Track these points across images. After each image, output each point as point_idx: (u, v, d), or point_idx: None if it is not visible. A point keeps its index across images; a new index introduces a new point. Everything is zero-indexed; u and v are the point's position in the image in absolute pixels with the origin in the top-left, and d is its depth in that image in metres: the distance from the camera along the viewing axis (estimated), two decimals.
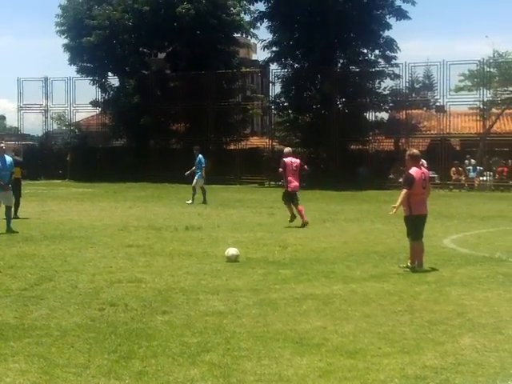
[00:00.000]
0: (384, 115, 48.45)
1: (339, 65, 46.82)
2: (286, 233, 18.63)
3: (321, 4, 41.98)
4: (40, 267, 12.92)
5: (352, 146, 46.18)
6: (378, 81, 46.11)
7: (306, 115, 47.39)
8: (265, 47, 47.50)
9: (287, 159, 21.49)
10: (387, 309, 9.79)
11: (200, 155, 30.19)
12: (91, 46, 48.47)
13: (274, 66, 48.71)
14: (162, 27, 48.50)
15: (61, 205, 27.22)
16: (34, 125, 57.07)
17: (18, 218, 21.29)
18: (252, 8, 49.50)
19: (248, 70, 53.67)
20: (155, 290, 10.93)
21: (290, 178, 21.34)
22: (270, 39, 47.22)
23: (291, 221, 20.55)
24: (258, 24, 48.99)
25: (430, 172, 40.69)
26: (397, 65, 45.11)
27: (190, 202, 28.66)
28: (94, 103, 52.88)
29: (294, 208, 20.94)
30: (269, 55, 47.56)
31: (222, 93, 48.88)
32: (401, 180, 14.47)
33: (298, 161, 22.00)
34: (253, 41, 58.79)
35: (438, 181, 40.80)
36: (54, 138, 55.52)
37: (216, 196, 32.66)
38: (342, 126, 42.89)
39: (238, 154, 46.06)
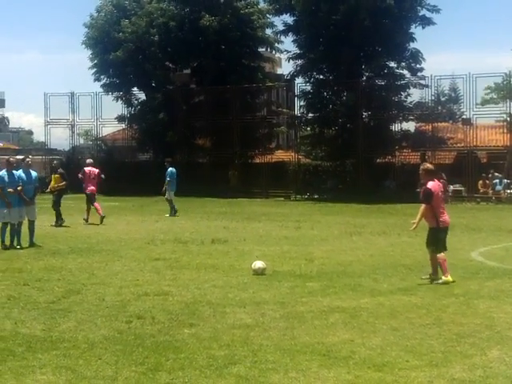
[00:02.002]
0: (410, 128, 48.30)
1: (364, 78, 46.74)
2: (313, 246, 18.58)
3: (346, 17, 41.91)
4: (67, 280, 12.99)
5: (378, 159, 45.99)
6: (403, 94, 45.93)
7: (331, 128, 47.27)
8: (290, 59, 47.35)
9: (87, 168, 27.49)
10: (415, 322, 9.74)
11: (171, 168, 30.15)
12: (118, 61, 48.72)
13: (298, 80, 48.75)
14: (188, 42, 48.67)
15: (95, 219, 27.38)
16: (60, 139, 57.67)
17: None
18: (276, 21, 49.57)
19: (273, 84, 53.69)
20: (182, 303, 10.95)
21: (89, 184, 26.86)
22: (295, 52, 47.21)
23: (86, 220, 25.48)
24: (283, 37, 49.01)
25: (457, 185, 40.87)
26: (423, 77, 44.94)
27: (167, 215, 28.92)
28: (120, 118, 53.10)
29: (91, 207, 25.86)
30: (294, 68, 47.49)
31: (247, 107, 49.02)
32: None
33: (96, 170, 27.59)
34: (277, 55, 58.99)
35: (464, 194, 40.58)
36: (80, 153, 55.77)
37: (242, 209, 32.68)
38: (368, 139, 42.77)
39: (264, 168, 46.04)
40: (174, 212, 29.26)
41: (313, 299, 11.28)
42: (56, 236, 20.64)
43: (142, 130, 51.53)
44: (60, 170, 26.49)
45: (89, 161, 29.87)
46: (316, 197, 43.54)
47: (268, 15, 49.82)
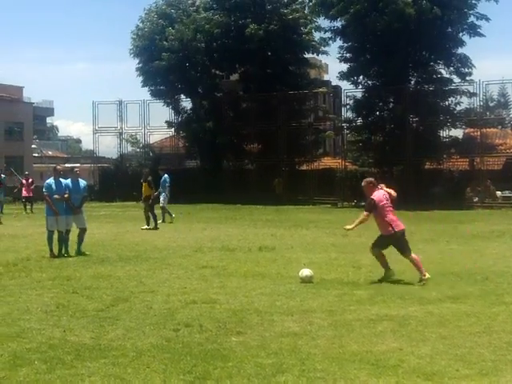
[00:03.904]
0: (458, 134, 47.88)
1: (412, 83, 46.43)
2: (360, 253, 18.43)
3: (394, 22, 41.68)
4: (116, 288, 13.06)
5: (426, 166, 45.66)
6: (451, 99, 45.53)
7: (378, 135, 47.05)
8: (341, 60, 46.97)
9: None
10: (464, 330, 9.61)
11: (165, 175, 30.09)
12: (164, 69, 49.09)
13: (345, 86, 48.61)
14: (234, 49, 48.88)
15: (136, 226, 27.48)
16: (109, 147, 58.17)
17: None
18: (323, 24, 49.44)
19: (319, 90, 53.60)
20: (230, 311, 10.94)
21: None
22: (343, 57, 47.01)
23: None
24: (331, 42, 48.83)
25: (506, 191, 40.43)
26: (471, 82, 44.50)
27: (160, 221, 28.72)
28: (168, 125, 53.47)
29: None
30: (342, 71, 47.17)
31: (294, 113, 49.04)
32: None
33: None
34: (324, 61, 58.90)
35: None
36: (128, 160, 56.19)
37: (289, 217, 32.62)
38: (416, 146, 42.52)
39: (311, 175, 45.99)
40: (171, 217, 29.44)
41: (361, 307, 11.20)
42: (104, 244, 20.79)
43: (189, 137, 51.81)
44: (149, 178, 27.59)
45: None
46: (363, 204, 43.28)
47: (315, 19, 49.67)
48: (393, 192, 14.34)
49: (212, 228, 27.25)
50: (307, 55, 53.13)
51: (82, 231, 18.65)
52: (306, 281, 13.47)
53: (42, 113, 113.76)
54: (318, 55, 53.73)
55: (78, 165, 36.41)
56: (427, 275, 13.49)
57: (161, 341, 9.15)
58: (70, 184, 18.43)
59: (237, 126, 49.92)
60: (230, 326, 9.96)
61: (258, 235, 23.91)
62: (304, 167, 49.84)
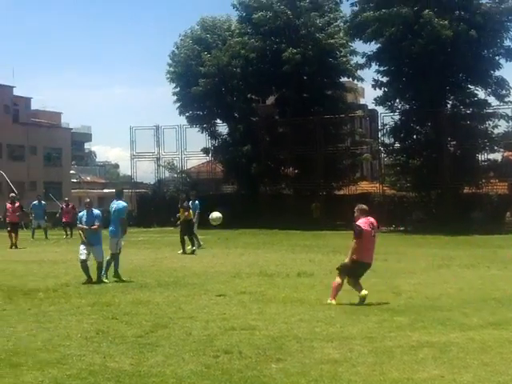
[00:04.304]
0: (497, 157, 47.51)
1: (449, 106, 46.24)
2: (400, 279, 18.34)
3: (430, 45, 41.59)
4: (155, 314, 13.07)
5: (464, 190, 45.34)
6: (489, 122, 45.19)
7: (416, 158, 46.81)
8: (375, 86, 46.91)
9: None
10: (507, 357, 9.48)
11: (196, 202, 29.99)
12: (200, 94, 49.42)
13: (382, 110, 48.54)
14: (269, 73, 49.08)
15: (174, 252, 27.57)
16: (146, 172, 58.42)
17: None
18: (359, 49, 49.59)
19: (356, 114, 53.56)
20: (269, 338, 10.89)
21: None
22: (379, 81, 46.91)
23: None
24: (366, 68, 48.84)
25: None
26: (509, 105, 44.18)
27: (194, 248, 28.28)
28: (205, 150, 53.68)
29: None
30: (378, 96, 47.10)
31: (331, 138, 49.01)
32: None
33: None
34: (360, 85, 58.88)
35: None
36: (166, 186, 56.41)
37: (327, 242, 32.51)
38: (454, 169, 42.31)
39: (348, 199, 45.75)
40: (198, 245, 28.90)
41: (401, 334, 11.09)
42: (143, 270, 20.85)
43: (226, 162, 51.97)
44: (185, 204, 27.99)
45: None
46: (401, 229, 43.11)
47: (350, 44, 49.81)
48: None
49: (250, 253, 27.24)
50: (343, 79, 53.19)
51: (112, 257, 18.66)
52: (216, 221, 13.36)
53: (80, 138, 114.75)
54: (353, 80, 53.75)
55: (89, 198, 36.86)
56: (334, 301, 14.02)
57: (200, 367, 9.13)
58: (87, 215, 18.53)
59: (273, 151, 49.97)
60: (270, 352, 9.91)
61: (295, 260, 23.85)
62: (341, 191, 49.73)
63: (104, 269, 18.33)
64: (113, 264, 18.52)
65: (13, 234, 32.03)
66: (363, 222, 14.34)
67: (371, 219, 14.56)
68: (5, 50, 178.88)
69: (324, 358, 9.55)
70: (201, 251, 27.52)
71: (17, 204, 33.64)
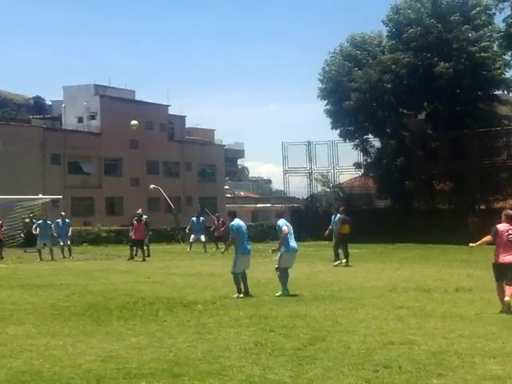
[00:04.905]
0: None
1: None
2: None
3: None
4: (312, 327, 13.08)
5: None
6: None
7: None
8: None
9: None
10: None
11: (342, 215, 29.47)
12: (352, 110, 49.45)
13: None
14: (421, 88, 48.43)
15: (328, 266, 27.66)
16: (298, 187, 58.63)
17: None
18: None
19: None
20: (429, 353, 10.69)
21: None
22: None
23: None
24: None
25: None
26: None
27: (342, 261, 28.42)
28: (357, 165, 53.56)
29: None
30: None
31: (486, 151, 47.73)
32: None
33: None
34: None
35: None
36: (318, 200, 56.52)
37: (485, 257, 31.13)
38: None
39: None
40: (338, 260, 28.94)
41: None
42: (298, 283, 20.88)
43: (378, 177, 51.63)
44: (342, 217, 28.94)
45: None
46: None
47: (504, 57, 48.60)
48: None
49: (405, 268, 26.89)
50: (497, 92, 51.82)
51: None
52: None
53: (233, 155, 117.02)
54: (509, 93, 52.29)
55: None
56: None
57: (360, 381, 9.06)
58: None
59: (426, 165, 49.22)
60: (430, 367, 9.73)
61: (453, 275, 23.38)
62: (499, 205, 48.35)
63: (282, 283, 18.55)
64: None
65: (134, 248, 33.75)
66: (502, 226, 15.06)
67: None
68: (161, 70, 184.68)
69: (486, 374, 9.30)
70: (354, 266, 27.42)
71: (142, 221, 34.62)
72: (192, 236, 40.28)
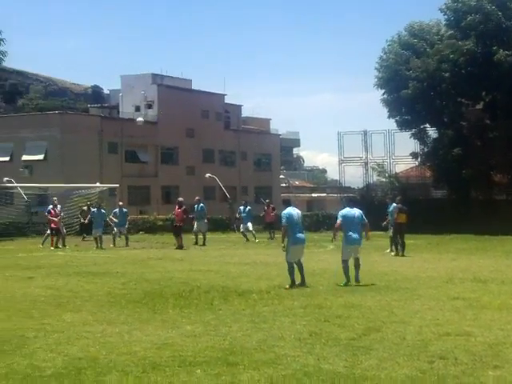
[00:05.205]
0: None
1: None
2: None
3: None
4: (367, 318, 13.05)
5: None
6: None
7: None
8: None
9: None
10: None
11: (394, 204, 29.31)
12: (409, 99, 48.96)
13: None
14: (480, 76, 47.70)
15: (384, 256, 27.60)
16: (353, 177, 58.33)
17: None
18: None
19: None
20: (485, 344, 10.60)
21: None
22: None
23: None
24: None
25: None
26: None
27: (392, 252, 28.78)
28: (413, 155, 53.09)
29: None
30: None
31: None
32: None
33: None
34: None
35: None
36: (373, 191, 56.19)
37: None
38: None
39: None
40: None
41: None
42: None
43: (435, 167, 51.13)
44: (399, 206, 28.88)
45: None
46: None
47: None
48: None
49: (462, 259, 26.64)
50: None
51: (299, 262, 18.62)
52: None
53: (288, 144, 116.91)
54: None
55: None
56: None
57: (415, 372, 9.03)
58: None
59: (484, 156, 48.56)
60: (486, 359, 9.65)
61: (510, 266, 23.10)
62: None
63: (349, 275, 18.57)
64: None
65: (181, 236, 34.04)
66: None
67: None
68: (218, 60, 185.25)
69: None
70: (410, 257, 27.28)
71: (182, 208, 34.85)
72: (241, 225, 40.54)
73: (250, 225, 40.01)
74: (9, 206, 47.54)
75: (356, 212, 19.15)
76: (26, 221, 47.32)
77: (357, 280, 18.49)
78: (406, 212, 28.75)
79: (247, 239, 38.68)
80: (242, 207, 41.25)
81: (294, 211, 18.48)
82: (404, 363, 9.49)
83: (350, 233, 18.70)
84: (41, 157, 64.50)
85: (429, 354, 9.96)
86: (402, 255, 27.78)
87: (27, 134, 63.97)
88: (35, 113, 78.17)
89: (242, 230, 40.21)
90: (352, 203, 20.11)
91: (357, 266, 18.78)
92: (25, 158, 64.99)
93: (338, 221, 18.82)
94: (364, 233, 19.56)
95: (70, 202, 43.95)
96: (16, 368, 9.46)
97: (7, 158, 65.92)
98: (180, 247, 33.44)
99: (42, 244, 35.52)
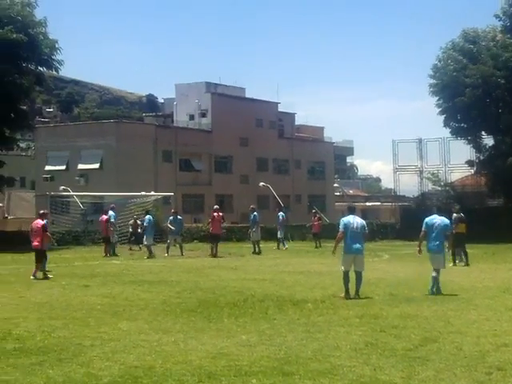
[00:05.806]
0: None
1: None
2: None
3: None
4: (423, 328, 12.93)
5: None
6: None
7: None
8: None
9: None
10: None
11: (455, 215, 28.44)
12: (464, 106, 48.52)
13: None
14: None
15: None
16: (408, 185, 58.04)
17: None
18: None
19: None
20: None
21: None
22: None
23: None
24: None
25: None
26: None
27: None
28: (469, 163, 52.63)
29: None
30: None
31: None
32: None
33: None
34: None
35: None
36: (429, 199, 55.75)
37: None
38: None
39: None
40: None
41: None
42: (409, 283, 20.71)
43: (492, 175, 50.58)
44: (457, 216, 28.13)
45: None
46: None
47: None
48: None
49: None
50: None
51: (359, 274, 17.98)
52: None
53: (342, 152, 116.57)
54: None
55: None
56: None
57: None
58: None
59: None
60: None
61: None
62: None
63: (432, 284, 18.28)
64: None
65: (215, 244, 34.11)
66: None
67: None
68: (271, 68, 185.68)
69: None
70: (469, 266, 27.03)
71: (219, 215, 35.15)
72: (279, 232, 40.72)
73: (279, 233, 40.60)
74: (65, 215, 48.00)
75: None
76: (82, 229, 47.77)
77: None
78: (465, 221, 28.44)
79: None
80: (281, 213, 41.89)
81: (353, 219, 18.10)
82: (461, 374, 9.38)
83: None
84: (96, 165, 65.18)
85: (486, 365, 9.83)
86: (467, 265, 27.55)
87: (83, 143, 64.77)
88: (91, 121, 79.16)
89: (279, 236, 40.56)
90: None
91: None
92: (80, 166, 65.74)
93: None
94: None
95: (125, 211, 44.31)
96: (73, 376, 9.54)
97: (63, 167, 66.78)
98: (213, 255, 33.47)
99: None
